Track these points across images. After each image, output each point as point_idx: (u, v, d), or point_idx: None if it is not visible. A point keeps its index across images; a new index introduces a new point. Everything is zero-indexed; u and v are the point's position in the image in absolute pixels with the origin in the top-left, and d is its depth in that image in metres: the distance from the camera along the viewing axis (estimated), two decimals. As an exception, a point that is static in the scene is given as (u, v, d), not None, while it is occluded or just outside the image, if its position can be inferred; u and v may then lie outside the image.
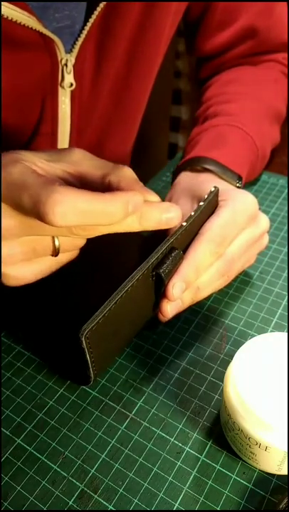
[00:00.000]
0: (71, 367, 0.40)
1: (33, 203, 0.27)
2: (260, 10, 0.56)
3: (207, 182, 0.45)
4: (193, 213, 0.37)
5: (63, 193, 0.26)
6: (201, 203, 0.38)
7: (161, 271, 0.34)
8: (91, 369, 0.35)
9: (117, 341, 0.38)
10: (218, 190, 0.40)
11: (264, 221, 0.43)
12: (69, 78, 0.47)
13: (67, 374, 0.40)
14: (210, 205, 0.39)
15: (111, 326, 0.33)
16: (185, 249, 0.38)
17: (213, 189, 0.40)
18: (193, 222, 0.37)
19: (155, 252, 0.35)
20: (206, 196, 0.39)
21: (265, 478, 0.33)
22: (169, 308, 0.36)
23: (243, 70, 0.61)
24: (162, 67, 0.61)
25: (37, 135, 0.50)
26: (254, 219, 0.41)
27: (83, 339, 0.31)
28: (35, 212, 0.27)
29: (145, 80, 0.58)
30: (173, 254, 0.35)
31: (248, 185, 0.60)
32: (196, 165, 0.48)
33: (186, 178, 0.48)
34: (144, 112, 0.65)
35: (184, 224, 0.36)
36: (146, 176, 0.69)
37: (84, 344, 0.32)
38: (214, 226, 0.38)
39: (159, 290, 0.37)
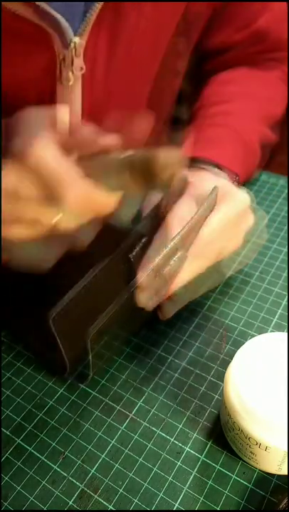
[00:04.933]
0: (49, 355, 0.40)
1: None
2: (275, 15, 0.57)
3: (204, 181, 0.45)
4: (191, 218, 0.37)
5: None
6: (203, 205, 0.38)
7: (132, 257, 0.35)
8: (64, 355, 0.35)
9: (91, 323, 0.38)
10: (217, 190, 0.40)
11: (242, 197, 0.41)
12: (78, 62, 0.46)
13: (48, 364, 0.40)
14: (210, 205, 0.40)
15: (81, 309, 0.34)
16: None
17: (213, 189, 0.40)
18: (195, 222, 0.37)
19: (127, 240, 0.35)
20: (206, 200, 0.39)
21: (265, 478, 0.33)
22: (143, 298, 0.36)
23: (243, 71, 0.61)
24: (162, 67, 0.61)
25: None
26: (228, 197, 0.40)
27: (51, 322, 0.31)
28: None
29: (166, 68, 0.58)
30: (178, 255, 0.36)
31: (248, 185, 0.60)
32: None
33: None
34: (168, 106, 0.65)
35: (184, 228, 0.36)
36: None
37: (53, 328, 0.32)
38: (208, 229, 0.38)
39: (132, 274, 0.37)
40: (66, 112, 0.35)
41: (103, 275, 0.34)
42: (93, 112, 0.52)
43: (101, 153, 0.33)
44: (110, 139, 0.33)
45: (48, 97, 0.48)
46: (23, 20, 0.42)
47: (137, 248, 0.35)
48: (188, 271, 0.39)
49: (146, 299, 0.36)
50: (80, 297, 0.33)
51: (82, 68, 0.47)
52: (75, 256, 0.45)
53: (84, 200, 0.32)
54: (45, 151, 0.32)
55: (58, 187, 0.32)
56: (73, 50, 0.45)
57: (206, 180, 0.45)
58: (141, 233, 0.36)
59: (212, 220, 0.39)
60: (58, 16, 0.42)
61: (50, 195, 0.32)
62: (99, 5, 0.43)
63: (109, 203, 0.33)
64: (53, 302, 0.33)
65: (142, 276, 0.35)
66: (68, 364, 0.36)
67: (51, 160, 0.32)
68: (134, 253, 0.35)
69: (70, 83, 0.47)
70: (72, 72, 0.47)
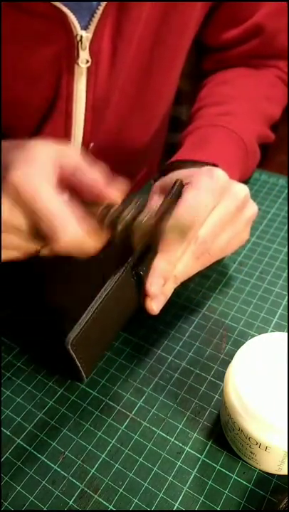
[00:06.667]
0: (63, 365, 0.40)
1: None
2: (271, 10, 0.57)
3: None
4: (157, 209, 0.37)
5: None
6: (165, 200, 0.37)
7: (140, 270, 0.35)
8: (82, 372, 0.35)
9: (104, 338, 0.38)
10: (181, 181, 0.39)
11: (239, 190, 0.40)
12: (84, 55, 0.47)
13: (60, 370, 0.40)
14: (178, 198, 0.39)
15: (97, 328, 0.34)
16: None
17: (177, 181, 0.39)
18: (163, 216, 0.37)
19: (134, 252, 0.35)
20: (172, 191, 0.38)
21: (265, 478, 0.33)
22: (154, 306, 0.36)
23: (240, 71, 0.61)
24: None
25: (52, 112, 0.50)
26: (224, 193, 0.39)
27: (70, 347, 0.32)
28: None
29: (170, 67, 0.58)
30: (150, 252, 0.35)
31: (248, 185, 0.59)
32: (180, 168, 0.47)
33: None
34: (171, 104, 0.65)
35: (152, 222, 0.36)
36: (145, 176, 0.69)
37: (72, 353, 0.32)
38: (178, 214, 0.37)
39: (142, 287, 0.37)
40: (75, 153, 0.35)
41: (115, 292, 0.34)
42: (96, 106, 0.52)
43: (100, 200, 0.33)
44: (114, 194, 0.33)
45: (54, 90, 0.49)
46: (32, 15, 0.42)
47: (145, 260, 0.35)
48: (192, 269, 0.39)
49: (157, 307, 0.37)
50: (95, 317, 0.33)
51: (88, 61, 0.47)
52: (84, 271, 0.45)
53: (73, 246, 0.32)
54: (42, 188, 0.32)
55: (51, 230, 0.31)
56: (79, 44, 0.45)
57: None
58: (147, 244, 0.35)
59: (212, 217, 0.38)
60: (67, 11, 0.43)
61: (42, 231, 0.32)
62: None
63: (97, 248, 0.33)
64: (66, 320, 0.33)
65: (151, 286, 0.35)
66: (85, 377, 0.37)
67: (46, 198, 0.32)
68: (142, 266, 0.35)
69: (88, 65, 0.47)
70: (78, 65, 0.47)
